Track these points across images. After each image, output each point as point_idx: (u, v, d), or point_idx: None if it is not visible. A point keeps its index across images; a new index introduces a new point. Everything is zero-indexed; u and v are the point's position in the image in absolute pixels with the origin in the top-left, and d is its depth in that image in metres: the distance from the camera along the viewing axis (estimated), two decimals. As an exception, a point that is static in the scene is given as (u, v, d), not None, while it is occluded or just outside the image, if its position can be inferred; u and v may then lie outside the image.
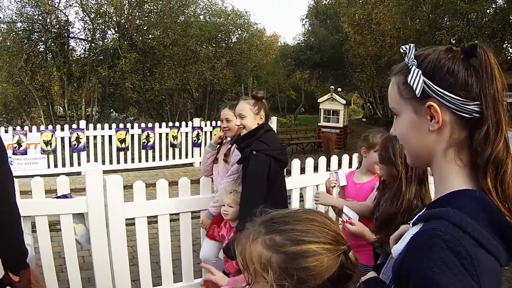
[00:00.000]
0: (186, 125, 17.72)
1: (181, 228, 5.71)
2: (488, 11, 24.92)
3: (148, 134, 16.51)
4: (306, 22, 51.85)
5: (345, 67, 37.64)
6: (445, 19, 26.68)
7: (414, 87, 1.57)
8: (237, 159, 4.96)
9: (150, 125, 17.12)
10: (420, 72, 1.56)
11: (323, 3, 48.49)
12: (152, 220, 5.59)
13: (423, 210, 1.63)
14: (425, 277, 1.35)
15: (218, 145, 5.70)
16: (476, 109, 1.49)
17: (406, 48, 1.69)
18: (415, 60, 1.60)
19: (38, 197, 4.85)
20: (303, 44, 44.77)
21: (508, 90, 1.74)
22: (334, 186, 5.00)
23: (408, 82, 1.59)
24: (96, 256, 5.04)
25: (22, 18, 22.97)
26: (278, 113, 46.64)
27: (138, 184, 5.28)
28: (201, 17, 27.08)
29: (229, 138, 5.50)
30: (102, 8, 23.37)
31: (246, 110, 4.77)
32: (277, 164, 4.61)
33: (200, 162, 16.77)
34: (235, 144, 5.09)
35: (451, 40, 26.14)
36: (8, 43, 22.23)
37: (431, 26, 25.93)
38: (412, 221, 1.65)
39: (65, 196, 4.93)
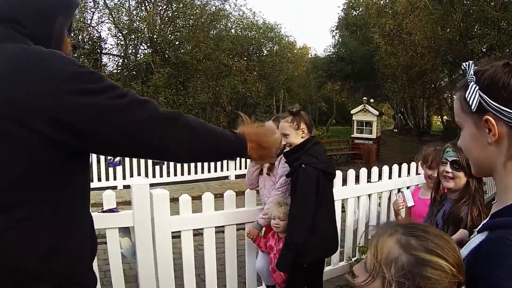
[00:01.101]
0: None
1: (226, 241, 5.67)
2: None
3: (184, 148, 16.46)
4: (336, 33, 51.83)
5: (376, 78, 37.59)
6: (476, 27, 26.44)
7: (470, 102, 1.61)
8: (284, 171, 5.01)
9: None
10: (477, 87, 1.59)
11: (353, 14, 48.43)
12: (196, 233, 5.57)
13: (488, 219, 1.65)
14: (494, 283, 1.38)
15: None
16: None
17: (466, 65, 1.69)
18: (474, 77, 1.62)
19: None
20: (333, 55, 44.72)
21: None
22: (402, 207, 4.88)
23: (466, 97, 1.63)
24: (142, 270, 4.99)
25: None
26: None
27: (184, 198, 5.27)
28: (233, 31, 27.19)
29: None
30: (134, 24, 23.54)
31: (286, 128, 4.75)
32: (325, 177, 4.61)
33: (235, 176, 16.78)
34: (280, 157, 5.12)
35: (482, 48, 25.96)
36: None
37: (462, 35, 25.73)
38: (478, 228, 1.65)
39: (111, 210, 4.93)
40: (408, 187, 7.35)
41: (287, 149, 4.83)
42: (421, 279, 1.51)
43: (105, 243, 5.09)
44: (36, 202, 1.87)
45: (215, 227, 5.53)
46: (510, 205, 1.57)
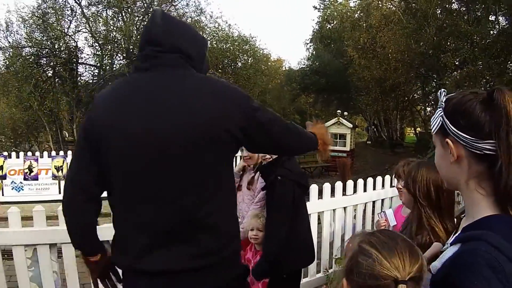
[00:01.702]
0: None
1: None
2: (491, 32, 24.98)
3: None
4: (310, 46, 51.99)
5: (350, 91, 37.83)
6: (449, 41, 26.75)
7: (431, 125, 1.87)
8: (262, 186, 5.08)
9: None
10: (442, 113, 1.81)
11: (327, 27, 48.59)
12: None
13: (459, 232, 1.84)
14: None
15: (241, 173, 5.77)
16: (488, 147, 1.68)
17: (440, 93, 1.91)
18: (443, 103, 1.83)
19: (64, 225, 4.86)
20: (307, 68, 44.94)
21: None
22: (384, 227, 4.93)
23: (431, 120, 1.90)
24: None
25: (31, 43, 23.14)
26: (281, 137, 46.67)
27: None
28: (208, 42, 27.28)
29: (251, 166, 5.58)
30: (111, 34, 23.51)
31: None
32: (300, 189, 4.73)
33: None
34: (258, 172, 5.22)
35: (455, 62, 26.26)
36: (17, 68, 22.30)
37: (435, 48, 26.03)
38: (450, 241, 1.85)
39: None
40: (382, 200, 7.53)
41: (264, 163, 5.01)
42: (356, 265, 1.82)
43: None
44: (221, 184, 2.72)
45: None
46: (480, 219, 1.75)
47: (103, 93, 2.75)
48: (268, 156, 4.98)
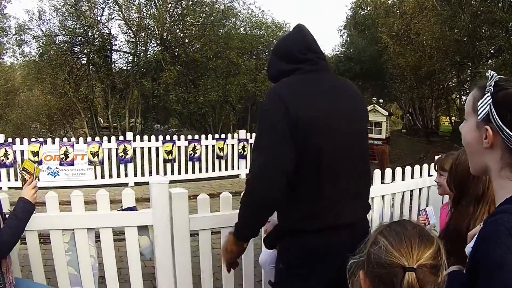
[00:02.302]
0: (232, 137, 17.83)
1: (243, 241, 5.62)
2: (527, 19, 24.53)
3: (194, 146, 16.65)
4: (344, 32, 51.66)
5: (385, 78, 37.45)
6: (484, 29, 26.31)
7: (478, 111, 1.85)
8: None
9: (196, 137, 17.11)
10: (491, 101, 1.79)
11: (361, 14, 48.18)
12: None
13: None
14: (492, 259, 1.65)
15: None
16: None
17: (490, 74, 1.88)
18: (492, 88, 1.81)
19: (103, 210, 4.91)
20: (341, 55, 44.66)
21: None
22: (424, 225, 4.79)
23: (478, 103, 1.87)
24: (160, 269, 5.07)
25: (64, 31, 23.25)
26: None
27: (202, 197, 5.29)
28: (242, 29, 27.12)
29: None
30: (144, 21, 23.52)
31: None
32: None
33: (246, 174, 16.82)
34: None
35: (490, 50, 25.87)
36: (50, 56, 22.45)
37: (470, 36, 25.61)
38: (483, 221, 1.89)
39: (130, 209, 4.97)
40: (420, 189, 7.40)
41: None
42: (368, 255, 1.96)
43: (122, 240, 5.15)
44: None
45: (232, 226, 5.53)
46: (509, 198, 1.81)
47: (291, 88, 3.25)
48: None
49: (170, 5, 24.36)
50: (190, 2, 24.34)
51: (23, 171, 4.05)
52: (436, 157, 5.05)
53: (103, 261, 5.06)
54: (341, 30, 51.69)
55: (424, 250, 1.82)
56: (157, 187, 4.97)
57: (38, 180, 4.16)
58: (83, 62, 24.64)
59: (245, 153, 17.69)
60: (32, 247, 4.74)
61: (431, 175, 7.44)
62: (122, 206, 5.03)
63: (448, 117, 41.03)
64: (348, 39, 48.70)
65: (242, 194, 3.54)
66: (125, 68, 25.72)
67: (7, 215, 3.85)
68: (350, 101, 3.36)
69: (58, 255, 4.80)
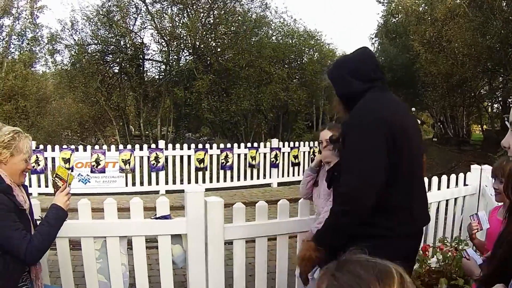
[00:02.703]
0: (265, 146, 17.78)
1: (278, 250, 5.61)
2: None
3: (226, 154, 16.61)
4: (375, 40, 51.49)
5: (417, 86, 37.19)
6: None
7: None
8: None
9: (229, 145, 17.08)
10: None
11: (392, 21, 48.00)
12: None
13: None
14: None
15: (318, 168, 5.66)
16: None
17: None
18: None
19: (137, 217, 4.86)
20: (373, 63, 44.49)
21: None
22: (477, 230, 4.75)
23: None
24: (192, 278, 5.03)
25: (96, 41, 23.40)
26: (348, 133, 46.43)
27: (238, 206, 5.22)
28: (274, 38, 27.10)
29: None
30: (177, 31, 23.60)
31: (329, 156, 5.13)
32: None
33: (277, 183, 16.76)
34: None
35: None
36: (83, 65, 22.57)
37: (502, 42, 25.34)
38: None
39: (164, 217, 4.92)
40: (456, 199, 7.27)
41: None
42: None
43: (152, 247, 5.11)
44: None
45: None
46: None
47: (379, 102, 3.61)
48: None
49: (202, 14, 24.45)
50: (223, 12, 24.42)
51: (56, 178, 3.99)
52: (495, 163, 4.92)
53: (134, 269, 5.02)
54: (372, 38, 51.57)
55: None
56: (192, 196, 4.93)
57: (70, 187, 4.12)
58: (116, 71, 24.82)
59: (277, 162, 17.62)
60: (63, 254, 4.73)
61: (467, 185, 7.41)
62: (155, 214, 4.99)
63: (479, 126, 40.59)
64: (379, 47, 48.51)
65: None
66: (157, 77, 25.91)
67: (38, 222, 3.82)
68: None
69: (88, 262, 4.77)
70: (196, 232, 4.93)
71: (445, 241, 6.44)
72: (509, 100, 32.52)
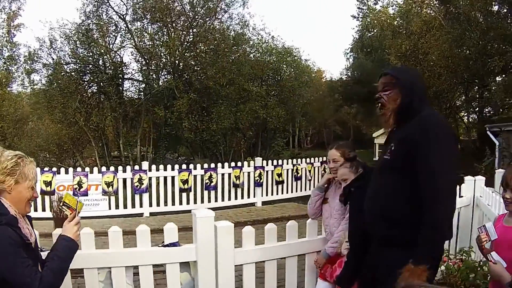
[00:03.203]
0: (248, 165, 17.64)
1: (287, 272, 5.60)
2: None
3: (211, 174, 16.41)
4: (350, 55, 51.86)
5: (393, 100, 37.42)
6: (495, 45, 26.25)
7: None
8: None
9: (212, 165, 16.91)
10: None
11: (367, 36, 48.39)
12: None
13: None
14: None
15: (326, 186, 5.72)
16: None
17: None
18: None
19: (144, 246, 4.70)
20: (349, 78, 44.85)
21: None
22: (486, 242, 4.71)
23: None
24: (203, 305, 4.85)
25: (75, 59, 23.16)
26: (324, 149, 46.63)
27: (247, 229, 5.16)
28: (252, 55, 27.06)
29: (337, 179, 5.48)
30: (156, 49, 23.47)
31: (346, 173, 5.07)
32: None
33: (262, 202, 16.65)
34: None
35: (500, 66, 25.83)
36: (61, 85, 22.27)
37: (480, 53, 25.55)
38: None
39: (173, 244, 4.76)
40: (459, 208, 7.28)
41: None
42: None
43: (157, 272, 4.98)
44: None
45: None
46: None
47: (442, 119, 4.18)
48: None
49: (181, 32, 24.35)
50: (202, 29, 24.32)
51: (63, 206, 3.75)
52: (505, 172, 4.87)
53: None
54: (347, 53, 51.93)
55: None
56: (203, 221, 4.83)
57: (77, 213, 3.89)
58: (94, 90, 24.53)
59: (261, 181, 17.50)
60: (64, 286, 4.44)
61: (462, 196, 7.52)
62: (163, 242, 4.81)
63: (456, 136, 40.96)
64: (355, 61, 48.95)
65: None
66: (136, 96, 25.72)
67: (42, 253, 3.61)
68: None
69: (92, 296, 4.56)
70: (207, 258, 4.82)
71: (446, 253, 6.38)
72: (486, 110, 32.82)
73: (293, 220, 5.60)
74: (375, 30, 46.15)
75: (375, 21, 44.83)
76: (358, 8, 49.85)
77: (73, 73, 23.17)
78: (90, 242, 4.51)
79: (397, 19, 39.17)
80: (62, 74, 22.57)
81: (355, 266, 4.58)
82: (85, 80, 23.91)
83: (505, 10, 26.74)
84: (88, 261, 4.50)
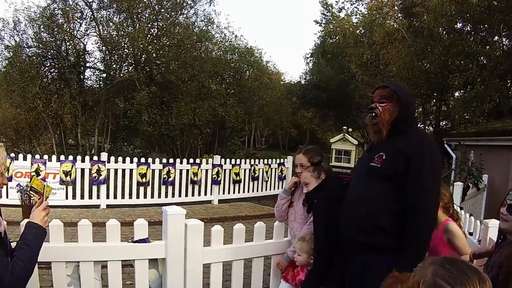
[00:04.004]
0: (207, 162, 17.62)
1: (253, 273, 5.70)
2: (496, 53, 24.87)
3: (169, 169, 16.38)
4: (310, 60, 52.05)
5: (351, 107, 37.76)
6: (457, 61, 26.66)
7: None
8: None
9: (171, 160, 16.87)
10: None
11: (329, 42, 48.62)
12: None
13: None
14: None
15: (292, 189, 5.80)
16: None
17: None
18: None
19: (113, 241, 4.69)
20: (307, 83, 44.99)
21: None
22: None
23: None
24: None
25: (37, 44, 22.81)
26: (279, 150, 46.80)
27: (216, 228, 5.22)
28: (214, 53, 27.00)
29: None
30: (120, 40, 23.24)
31: (308, 178, 5.18)
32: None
33: (218, 200, 16.66)
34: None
35: (461, 82, 26.23)
36: (22, 68, 21.79)
37: (441, 68, 25.94)
38: None
39: (142, 241, 4.77)
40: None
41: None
42: None
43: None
44: None
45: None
46: None
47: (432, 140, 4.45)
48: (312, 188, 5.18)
49: (146, 24, 24.17)
50: (168, 22, 24.21)
51: (31, 191, 3.67)
52: None
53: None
54: (307, 57, 52.08)
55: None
56: (173, 218, 4.84)
57: (45, 199, 3.77)
58: (55, 77, 24.14)
59: (219, 179, 17.49)
60: (31, 279, 4.29)
61: None
62: (133, 237, 4.81)
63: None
64: (315, 66, 49.11)
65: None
66: (97, 86, 25.38)
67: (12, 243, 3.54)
68: None
69: (59, 289, 4.51)
70: (176, 256, 4.84)
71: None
72: (442, 123, 33.38)
73: (258, 220, 5.70)
74: (337, 37, 46.48)
75: (338, 28, 45.11)
76: (322, 14, 50.26)
77: (34, 57, 22.75)
78: (59, 234, 4.45)
79: (360, 28, 39.51)
80: (23, 57, 22.17)
81: (323, 271, 4.70)
82: (46, 65, 23.52)
83: (468, 28, 27.20)
84: (57, 255, 4.45)
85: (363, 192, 4.22)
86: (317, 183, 5.08)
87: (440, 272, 2.09)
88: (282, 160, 20.15)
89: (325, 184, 5.00)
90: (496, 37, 26.35)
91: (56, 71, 23.74)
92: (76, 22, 23.41)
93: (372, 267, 4.06)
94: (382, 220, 4.02)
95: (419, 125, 33.35)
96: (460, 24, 27.71)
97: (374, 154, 4.23)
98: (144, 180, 15.93)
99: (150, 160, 16.44)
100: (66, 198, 14.91)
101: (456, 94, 29.81)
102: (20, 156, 14.76)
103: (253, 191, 18.82)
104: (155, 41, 24.45)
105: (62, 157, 15.46)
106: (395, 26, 32.36)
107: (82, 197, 15.21)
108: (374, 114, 4.21)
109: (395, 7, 32.57)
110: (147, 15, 24.34)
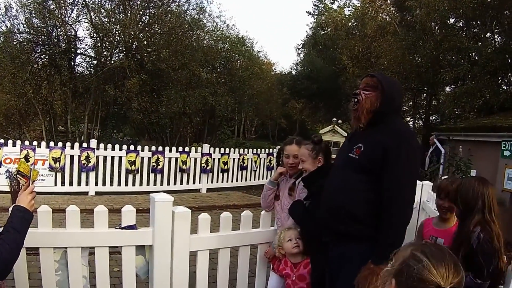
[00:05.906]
0: (196, 151, 17.66)
1: (239, 261, 5.73)
2: (488, 49, 24.92)
3: (158, 157, 16.40)
4: (302, 51, 51.99)
5: (341, 99, 37.78)
6: (448, 56, 26.73)
7: None
8: (304, 195, 5.18)
9: (160, 148, 16.86)
10: None
11: (321, 34, 48.55)
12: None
13: None
14: None
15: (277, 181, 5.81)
16: None
17: None
18: None
19: (101, 227, 4.70)
20: (298, 74, 44.95)
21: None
22: None
23: None
24: (157, 290, 4.93)
25: (28, 30, 22.67)
26: (268, 140, 46.78)
27: (204, 216, 5.25)
28: (205, 41, 26.93)
29: (289, 174, 5.64)
30: (111, 27, 23.14)
31: (305, 154, 5.14)
32: None
33: (207, 189, 16.68)
34: (298, 181, 5.34)
35: (452, 77, 26.29)
36: (12, 53, 21.68)
37: (433, 63, 25.99)
38: None
39: (130, 227, 4.79)
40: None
41: (305, 174, 5.15)
42: (407, 268, 2.18)
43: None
44: None
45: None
46: None
47: (413, 133, 4.74)
48: (306, 169, 5.16)
49: (137, 11, 24.06)
50: (160, 10, 24.10)
51: (18, 175, 3.67)
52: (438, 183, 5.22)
53: (96, 282, 4.85)
54: (299, 48, 52.03)
55: (456, 276, 2.13)
56: (161, 205, 4.87)
57: (31, 183, 3.77)
58: (46, 63, 24.02)
59: (207, 168, 17.55)
60: (19, 265, 4.25)
61: None
62: (120, 224, 4.82)
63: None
64: (306, 57, 49.06)
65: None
66: (87, 72, 25.27)
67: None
68: None
69: (47, 275, 4.52)
70: (163, 243, 4.86)
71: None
72: (432, 118, 33.44)
73: (246, 209, 5.70)
74: (329, 29, 46.39)
75: (330, 20, 45.08)
76: (315, 5, 50.13)
77: (25, 43, 22.61)
78: (48, 220, 4.46)
79: (352, 21, 39.55)
80: (14, 43, 22.06)
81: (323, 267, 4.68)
82: (37, 51, 23.39)
83: (460, 24, 27.24)
84: (45, 241, 4.46)
85: (340, 183, 4.29)
86: (313, 165, 5.08)
87: (420, 248, 2.25)
88: (271, 150, 20.17)
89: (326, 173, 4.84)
90: (488, 34, 26.48)
91: (47, 57, 23.60)
92: (67, 8, 23.20)
93: (349, 256, 4.15)
94: (358, 210, 4.10)
95: (408, 118, 33.80)
96: (453, 20, 27.73)
97: (353, 145, 4.30)
98: (133, 167, 15.93)
99: (139, 147, 16.44)
100: (55, 184, 14.92)
101: (447, 89, 29.88)
102: (10, 142, 14.69)
103: (241, 181, 18.87)
104: (146, 28, 24.37)
105: (52, 144, 15.50)
106: (387, 19, 32.45)
107: (71, 183, 15.19)
108: (356, 100, 4.27)
109: (388, 1, 32.63)
110: (139, 2, 24.17)
